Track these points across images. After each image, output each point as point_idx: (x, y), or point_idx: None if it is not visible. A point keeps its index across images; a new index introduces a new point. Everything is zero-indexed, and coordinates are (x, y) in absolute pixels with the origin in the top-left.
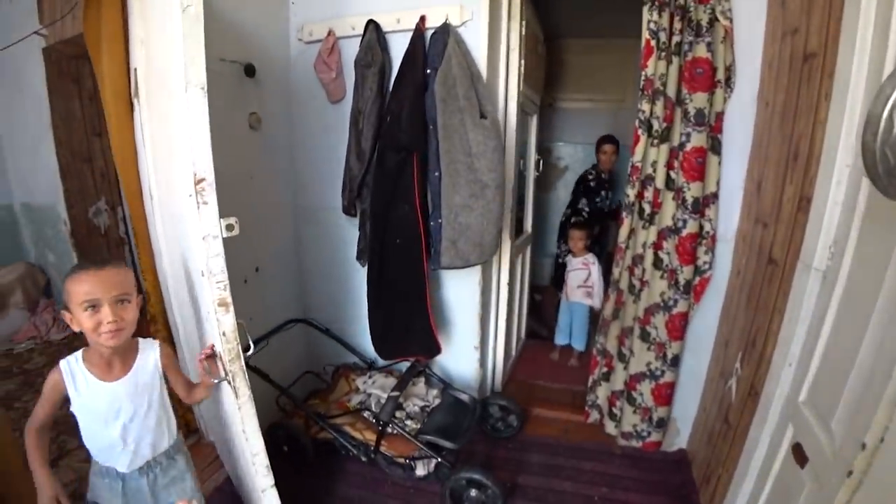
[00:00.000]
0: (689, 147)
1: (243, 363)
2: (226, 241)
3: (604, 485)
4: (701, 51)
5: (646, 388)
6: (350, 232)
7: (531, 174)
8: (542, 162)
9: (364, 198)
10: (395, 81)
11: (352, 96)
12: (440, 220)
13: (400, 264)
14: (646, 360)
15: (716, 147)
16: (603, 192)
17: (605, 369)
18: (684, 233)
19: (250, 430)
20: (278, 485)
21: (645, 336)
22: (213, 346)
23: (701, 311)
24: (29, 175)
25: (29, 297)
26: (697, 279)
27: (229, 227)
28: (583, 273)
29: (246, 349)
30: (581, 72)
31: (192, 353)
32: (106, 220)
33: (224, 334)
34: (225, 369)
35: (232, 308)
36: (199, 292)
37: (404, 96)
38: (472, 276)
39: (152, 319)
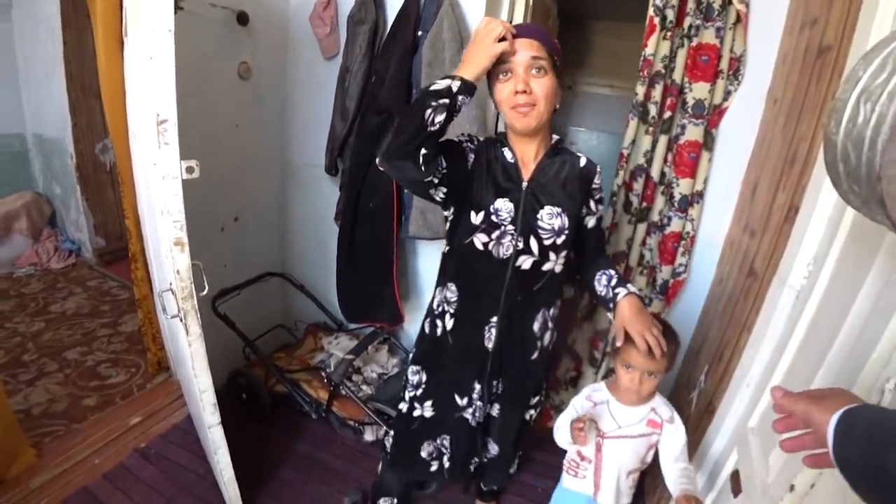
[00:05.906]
0: (683, 140)
1: (195, 302)
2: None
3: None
4: (708, 36)
5: None
6: (332, 191)
7: None
8: None
9: (345, 158)
10: (385, 41)
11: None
12: None
13: (371, 228)
14: None
15: (709, 143)
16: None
17: (572, 373)
18: (668, 231)
19: (199, 368)
20: (234, 430)
21: None
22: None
23: (674, 315)
24: (41, 106)
25: (33, 225)
26: (672, 281)
27: (189, 169)
28: (641, 444)
29: (200, 290)
30: (605, 56)
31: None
32: (112, 158)
33: (178, 272)
34: (178, 307)
35: (187, 248)
36: (159, 231)
37: (391, 57)
38: None
39: (133, 258)
